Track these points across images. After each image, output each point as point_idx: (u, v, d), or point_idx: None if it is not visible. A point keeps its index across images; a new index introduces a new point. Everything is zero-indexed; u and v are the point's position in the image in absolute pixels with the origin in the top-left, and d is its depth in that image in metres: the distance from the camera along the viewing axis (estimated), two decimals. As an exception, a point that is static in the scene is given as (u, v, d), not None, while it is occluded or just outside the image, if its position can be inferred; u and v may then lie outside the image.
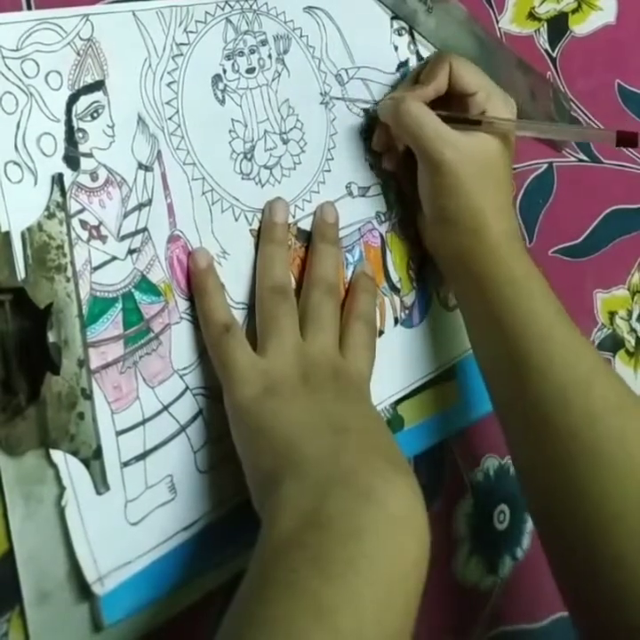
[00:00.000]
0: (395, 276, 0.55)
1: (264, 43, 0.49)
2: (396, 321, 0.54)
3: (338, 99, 0.53)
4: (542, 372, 0.46)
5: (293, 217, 0.50)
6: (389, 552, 0.35)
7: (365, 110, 0.53)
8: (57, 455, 0.38)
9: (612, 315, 0.69)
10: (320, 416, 0.41)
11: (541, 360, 0.46)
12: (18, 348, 0.37)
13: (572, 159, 0.68)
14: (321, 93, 0.52)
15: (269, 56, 0.50)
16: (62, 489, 0.38)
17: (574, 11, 0.68)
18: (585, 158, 0.68)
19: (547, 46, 0.67)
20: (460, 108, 0.50)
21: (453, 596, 0.58)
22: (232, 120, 0.47)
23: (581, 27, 0.69)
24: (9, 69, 0.39)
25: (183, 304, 0.44)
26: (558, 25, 0.67)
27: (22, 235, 0.38)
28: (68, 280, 0.39)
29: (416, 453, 0.54)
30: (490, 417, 0.57)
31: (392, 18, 0.57)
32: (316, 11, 0.52)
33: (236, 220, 0.47)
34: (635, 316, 0.71)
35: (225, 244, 0.46)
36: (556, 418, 0.46)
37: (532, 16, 0.66)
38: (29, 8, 0.40)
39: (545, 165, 0.66)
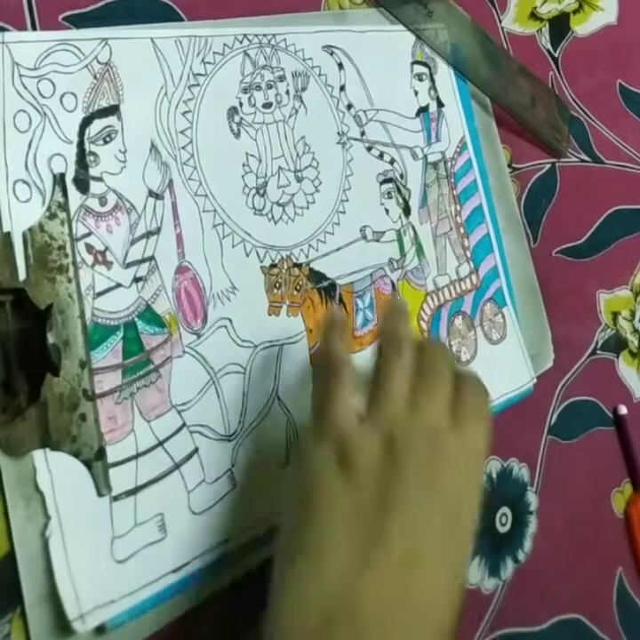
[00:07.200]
0: None
1: (282, 79, 0.49)
2: None
3: (356, 140, 0.52)
4: None
5: (306, 257, 0.49)
6: None
7: None
8: (44, 482, 0.37)
9: (615, 315, 0.69)
10: (363, 520, 0.35)
11: None
12: (18, 348, 0.37)
13: (575, 159, 0.68)
14: (338, 133, 0.52)
15: (287, 92, 0.49)
16: (47, 519, 0.37)
17: (575, 11, 0.69)
18: (587, 159, 0.68)
19: (549, 47, 0.67)
20: None
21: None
22: (246, 154, 0.47)
23: (583, 27, 0.69)
24: (25, 88, 0.39)
25: (188, 337, 0.43)
26: (560, 25, 0.67)
27: (23, 235, 0.38)
28: (69, 281, 0.39)
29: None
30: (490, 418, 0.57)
31: (412, 63, 0.56)
32: (334, 50, 0.52)
33: (248, 255, 0.46)
34: (638, 316, 0.70)
35: (234, 279, 0.45)
36: None
37: (534, 16, 0.66)
38: (32, 19, 0.40)
39: (548, 166, 0.66)
